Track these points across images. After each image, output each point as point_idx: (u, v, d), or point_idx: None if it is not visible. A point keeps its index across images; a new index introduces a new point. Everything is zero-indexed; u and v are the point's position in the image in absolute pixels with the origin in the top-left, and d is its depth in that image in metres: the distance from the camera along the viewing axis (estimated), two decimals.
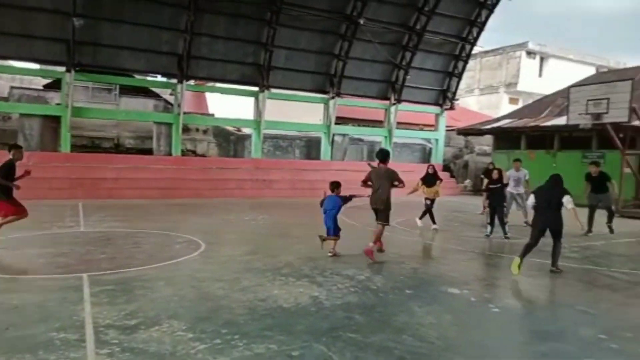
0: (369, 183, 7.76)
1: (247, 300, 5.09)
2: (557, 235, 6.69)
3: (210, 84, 23.02)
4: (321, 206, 7.70)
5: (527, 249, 6.68)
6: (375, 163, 8.17)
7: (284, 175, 20.02)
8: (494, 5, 22.25)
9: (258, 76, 20.08)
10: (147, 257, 7.12)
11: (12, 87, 21.00)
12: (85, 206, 13.12)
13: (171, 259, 7.04)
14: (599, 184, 10.65)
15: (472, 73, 38.90)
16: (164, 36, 18.31)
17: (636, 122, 14.36)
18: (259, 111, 20.44)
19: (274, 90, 20.79)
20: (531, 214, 7.10)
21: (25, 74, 22.43)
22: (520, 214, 11.33)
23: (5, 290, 5.18)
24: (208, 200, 16.27)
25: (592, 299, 5.69)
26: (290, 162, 22.22)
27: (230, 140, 23.13)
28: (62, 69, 17.36)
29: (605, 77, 21.57)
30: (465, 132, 25.41)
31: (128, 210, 12.71)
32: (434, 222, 10.74)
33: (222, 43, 19.20)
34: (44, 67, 19.90)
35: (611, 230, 10.67)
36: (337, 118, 22.28)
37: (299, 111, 23.82)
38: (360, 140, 25.53)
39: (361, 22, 19.98)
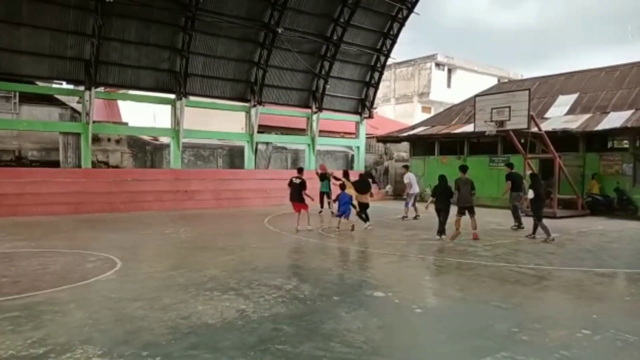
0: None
1: (168, 319, 4.86)
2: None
3: (123, 91, 21.82)
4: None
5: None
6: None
7: (207, 185, 19.47)
8: (405, 19, 23.44)
9: (174, 83, 19.41)
10: (56, 279, 6.54)
11: None
12: None
13: (83, 279, 6.54)
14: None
15: (388, 83, 40.66)
16: (69, 40, 17.09)
17: (534, 129, 15.77)
18: (176, 119, 19.73)
19: (192, 98, 20.20)
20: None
21: None
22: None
23: None
24: (123, 214, 15.40)
25: (505, 294, 6.12)
26: (212, 171, 21.66)
27: (146, 150, 22.04)
28: None
29: (506, 87, 23.57)
30: (384, 139, 26.45)
31: (33, 228, 11.65)
32: (366, 221, 11.96)
33: (134, 48, 18.33)
34: None
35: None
36: (260, 126, 22.15)
37: (221, 120, 23.38)
38: (284, 148, 25.57)
39: (279, 31, 20.09)
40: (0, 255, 8.24)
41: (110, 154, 20.68)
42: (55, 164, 18.35)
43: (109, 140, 20.71)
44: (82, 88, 17.88)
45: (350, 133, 27.11)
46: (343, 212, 11.48)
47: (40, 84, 19.48)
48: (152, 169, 21.36)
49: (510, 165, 13.35)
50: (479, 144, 21.21)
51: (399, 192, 23.96)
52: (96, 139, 19.28)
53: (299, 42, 21.44)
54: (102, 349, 4.01)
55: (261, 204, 19.66)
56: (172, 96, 19.63)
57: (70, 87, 19.75)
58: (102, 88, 19.45)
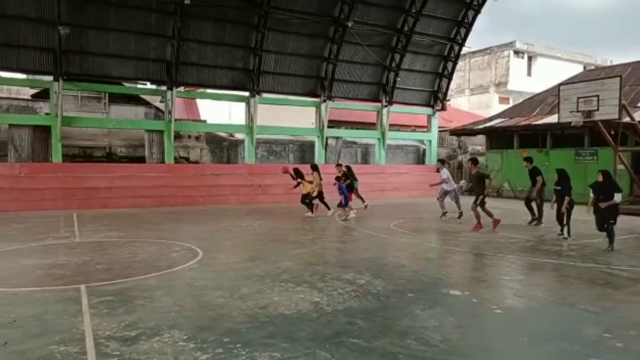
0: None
1: (247, 308, 5.04)
2: None
3: (201, 90, 22.90)
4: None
5: None
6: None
7: (279, 180, 19.92)
8: (480, 5, 22.43)
9: (248, 81, 20.05)
10: (144, 267, 7.04)
11: None
12: (79, 216, 13.01)
13: (169, 267, 6.97)
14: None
15: (462, 73, 39.19)
16: (151, 43, 18.22)
17: (626, 119, 14.49)
18: (250, 116, 20.39)
19: (265, 95, 20.77)
20: None
21: (12, 84, 22.19)
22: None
23: (2, 304, 5.09)
24: (203, 207, 16.19)
25: (594, 297, 5.70)
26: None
27: (223, 146, 23.02)
28: (50, 78, 17.20)
29: (593, 75, 21.80)
30: (457, 132, 25.55)
31: (123, 219, 12.60)
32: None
33: (211, 48, 19.16)
34: (31, 76, 19.76)
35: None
36: (330, 121, 22.30)
37: (292, 115, 23.80)
38: (354, 143, 25.56)
39: (349, 25, 20.03)
40: (94, 244, 9.01)
41: (190, 150, 21.84)
42: (142, 159, 19.71)
43: (189, 137, 21.89)
44: (164, 88, 19.02)
45: (421, 126, 26.50)
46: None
47: (126, 84, 20.96)
48: (228, 164, 22.27)
49: (529, 160, 12.36)
50: (563, 137, 19.83)
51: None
52: (177, 136, 20.45)
53: (369, 35, 21.25)
54: (187, 334, 4.25)
55: (331, 199, 19.78)
56: (246, 94, 20.31)
57: (154, 87, 21.07)
58: (182, 87, 20.54)
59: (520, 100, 29.19)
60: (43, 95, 20.11)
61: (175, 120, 19.21)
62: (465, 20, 22.77)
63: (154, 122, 20.23)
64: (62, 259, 7.51)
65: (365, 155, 25.68)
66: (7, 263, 7.26)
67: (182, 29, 17.83)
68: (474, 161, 11.84)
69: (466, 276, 6.69)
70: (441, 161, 14.66)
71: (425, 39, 22.50)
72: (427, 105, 24.50)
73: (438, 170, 14.15)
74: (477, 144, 26.69)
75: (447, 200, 13.57)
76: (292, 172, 14.21)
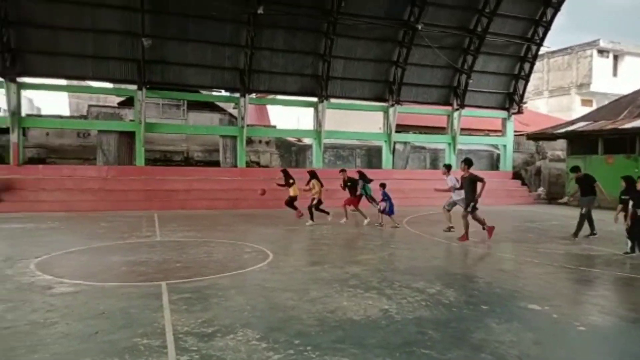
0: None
1: (316, 312, 5.09)
2: None
3: (271, 96, 23.57)
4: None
5: None
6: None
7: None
8: (560, 3, 21.19)
9: (317, 87, 20.33)
10: (219, 266, 7.34)
11: (90, 106, 22.67)
12: (160, 216, 13.84)
13: (241, 268, 7.22)
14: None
15: (540, 74, 37.16)
16: (226, 52, 19.03)
17: None
18: (318, 121, 20.65)
19: (333, 100, 20.95)
20: None
21: (100, 93, 24.19)
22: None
23: (93, 296, 5.53)
24: (272, 210, 16.58)
25: None
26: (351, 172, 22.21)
27: (291, 151, 23.52)
28: (134, 87, 18.48)
29: None
30: (536, 136, 24.19)
31: (199, 221, 13.22)
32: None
33: (282, 56, 19.66)
34: (118, 85, 21.33)
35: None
36: (398, 126, 22.03)
37: (359, 120, 23.80)
38: (423, 147, 25.06)
39: (419, 27, 19.71)
40: (174, 243, 9.53)
41: (261, 154, 22.53)
42: (216, 163, 20.63)
43: (260, 142, 22.60)
44: (237, 95, 19.78)
45: (496, 130, 25.44)
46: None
47: (203, 92, 22.03)
48: (297, 168, 22.66)
49: (577, 169, 11.33)
50: None
51: (554, 195, 21.77)
52: (249, 141, 21.18)
53: (439, 37, 20.78)
54: (259, 334, 4.37)
55: (398, 204, 19.48)
56: (315, 99, 20.60)
57: (228, 94, 21.97)
58: (254, 94, 21.25)
59: (605, 102, 27.12)
60: (128, 103, 21.67)
61: (247, 125, 19.90)
62: (544, 19, 21.62)
63: (228, 128, 21.08)
64: (145, 256, 8.03)
65: (435, 161, 25.09)
66: (96, 259, 7.88)
67: (255, 37, 18.46)
68: (467, 162, 10.39)
69: (545, 290, 6.30)
70: (446, 166, 12.27)
71: (500, 39, 21.61)
72: (502, 108, 23.48)
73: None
74: (557, 149, 25.13)
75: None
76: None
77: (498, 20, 20.89)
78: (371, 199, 13.66)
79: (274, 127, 24.95)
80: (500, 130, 24.51)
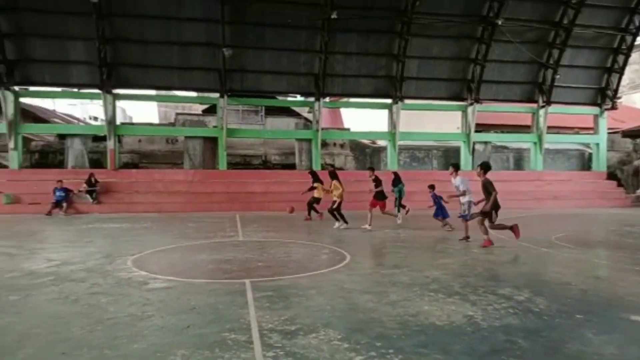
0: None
1: (397, 315, 5.02)
2: None
3: (345, 99, 23.71)
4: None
5: None
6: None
7: (422, 186, 19.58)
8: None
9: (391, 88, 20.14)
10: (298, 266, 7.50)
11: (177, 114, 24.19)
12: (241, 217, 14.43)
13: (319, 268, 7.31)
14: None
15: (637, 67, 33.98)
16: (301, 58, 19.45)
17: None
18: (393, 123, 20.43)
19: (407, 101, 20.64)
20: None
21: (186, 101, 25.74)
22: None
23: (184, 292, 5.88)
24: (347, 212, 16.62)
25: None
26: (428, 173, 21.73)
27: (366, 153, 23.48)
28: (216, 95, 19.46)
29: None
30: (633, 134, 22.17)
31: (277, 222, 13.62)
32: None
33: (355, 59, 19.72)
34: (201, 94, 22.56)
35: None
36: (478, 125, 21.20)
37: (435, 120, 23.22)
38: (505, 147, 23.90)
39: (499, 22, 18.85)
40: (255, 243, 9.89)
41: (335, 157, 22.73)
42: (292, 166, 21.13)
43: (334, 144, 22.82)
44: (312, 99, 20.14)
45: (587, 128, 23.63)
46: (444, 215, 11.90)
47: (279, 98, 22.69)
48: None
49: None
50: None
51: None
52: (324, 144, 21.47)
53: (521, 32, 19.76)
54: (340, 334, 4.40)
55: (479, 207, 18.74)
56: (389, 101, 20.44)
57: (303, 99, 22.44)
58: (328, 98, 21.52)
59: None
60: (211, 110, 22.86)
61: (322, 129, 20.17)
62: None
63: (303, 132, 21.52)
64: (229, 255, 8.40)
65: (519, 161, 23.83)
66: (186, 257, 8.38)
67: (329, 42, 18.69)
68: (483, 166, 9.43)
69: None
70: (454, 166, 11.19)
71: (589, 31, 20.12)
72: (593, 104, 21.79)
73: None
74: None
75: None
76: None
77: (587, 10, 19.45)
78: (400, 205, 13.27)
79: (348, 129, 25.04)
80: (591, 128, 22.74)
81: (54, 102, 34.17)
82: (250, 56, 19.19)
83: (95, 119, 39.71)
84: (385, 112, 21.18)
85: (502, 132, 24.21)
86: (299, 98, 23.49)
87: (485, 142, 22.81)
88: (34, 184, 17.28)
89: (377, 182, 12.76)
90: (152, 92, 22.43)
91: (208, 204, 17.07)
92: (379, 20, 19.00)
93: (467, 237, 10.26)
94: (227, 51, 17.99)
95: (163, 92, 25.41)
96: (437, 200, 12.10)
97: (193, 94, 23.79)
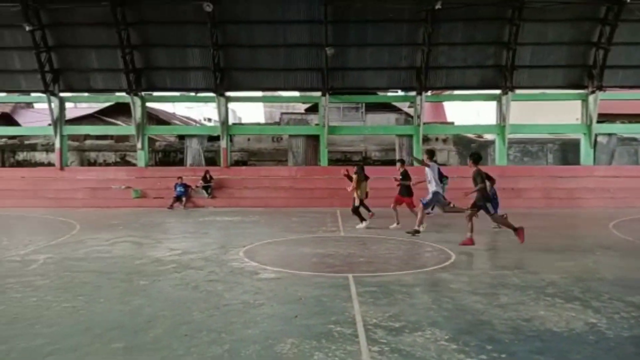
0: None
1: (508, 318, 4.76)
2: None
3: (448, 92, 22.88)
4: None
5: None
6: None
7: (536, 183, 18.26)
8: None
9: (500, 78, 18.98)
10: (401, 263, 7.45)
11: (282, 113, 25.20)
12: (342, 213, 14.65)
13: (423, 266, 7.18)
14: None
15: None
16: (403, 52, 19.10)
17: None
18: (502, 115, 19.25)
19: (518, 91, 19.29)
20: None
21: (290, 101, 26.70)
22: None
23: (291, 283, 6.15)
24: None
25: None
26: (542, 168, 20.19)
27: (471, 148, 22.42)
28: (318, 93, 19.88)
29: None
30: None
31: (378, 219, 13.57)
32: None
33: (460, 49, 18.88)
34: (303, 93, 23.24)
35: None
36: (600, 115, 19.14)
37: (550, 111, 21.45)
38: (634, 139, 21.33)
39: (628, 0, 16.77)
40: (356, 239, 9.99)
41: (437, 152, 22.05)
42: (393, 162, 20.90)
43: (436, 139, 22.15)
44: (413, 93, 19.72)
45: None
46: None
47: (379, 94, 22.57)
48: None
49: None
50: None
51: None
52: (426, 139, 20.91)
53: None
54: (447, 334, 4.29)
55: (601, 205, 16.98)
56: (497, 91, 19.29)
57: (403, 94, 22.09)
58: (430, 92, 20.90)
59: None
60: (313, 108, 23.48)
61: (424, 124, 19.67)
62: None
63: (404, 127, 21.19)
64: (331, 249, 8.60)
65: None
66: (291, 249, 8.75)
67: (432, 34, 18.13)
68: (473, 157, 9.19)
69: None
70: (428, 152, 10.75)
71: None
72: None
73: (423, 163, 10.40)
74: None
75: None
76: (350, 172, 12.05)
77: None
78: (443, 203, 11.47)
79: (452, 124, 24.14)
80: None
81: (174, 105, 37.54)
82: (352, 54, 19.30)
83: (209, 120, 42.92)
84: (493, 104, 20.03)
85: (631, 122, 21.57)
86: (400, 93, 23.18)
87: (610, 134, 20.51)
88: (158, 180, 19.20)
89: (405, 176, 11.96)
90: (259, 93, 23.66)
91: (310, 199, 17.59)
92: (487, 7, 17.96)
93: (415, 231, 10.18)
94: (330, 50, 18.29)
95: (269, 93, 26.66)
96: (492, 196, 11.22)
97: (296, 93, 24.62)
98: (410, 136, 19.97)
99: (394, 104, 24.27)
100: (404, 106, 25.20)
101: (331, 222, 12.88)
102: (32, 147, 24.30)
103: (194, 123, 37.62)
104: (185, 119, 36.87)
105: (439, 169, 10.73)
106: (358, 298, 5.39)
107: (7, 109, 27.86)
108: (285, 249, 8.91)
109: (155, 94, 21.23)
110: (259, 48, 19.19)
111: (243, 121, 41.73)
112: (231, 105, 21.80)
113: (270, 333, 4.37)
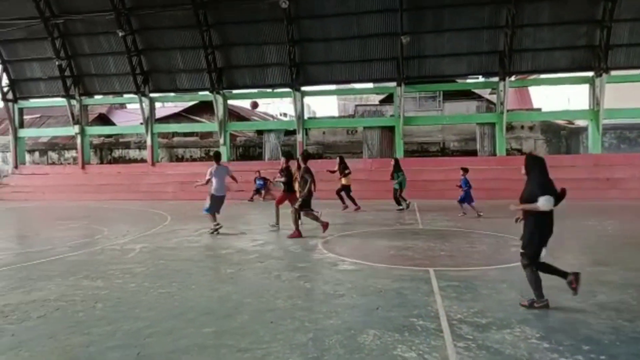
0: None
1: (607, 318, 4.42)
2: None
3: (534, 76, 21.48)
4: None
5: None
6: None
7: (634, 172, 16.67)
8: None
9: (592, 59, 17.54)
10: (484, 258, 7.16)
11: (356, 106, 25.15)
12: (419, 205, 14.36)
13: (509, 262, 6.82)
14: None
15: None
16: (483, 36, 18.25)
17: None
18: (595, 99, 17.75)
19: (613, 73, 17.67)
20: None
21: (363, 93, 26.55)
22: None
23: (370, 275, 6.15)
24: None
25: None
26: None
27: (560, 136, 20.96)
28: (393, 84, 19.57)
29: None
30: None
31: (456, 211, 13.15)
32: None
33: (547, 30, 17.67)
34: (377, 84, 22.99)
35: None
36: None
37: None
38: None
39: None
40: (435, 232, 9.74)
41: (523, 141, 20.88)
42: (473, 152, 20.10)
43: (521, 127, 20.95)
44: (495, 79, 18.77)
45: None
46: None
47: (458, 81, 21.73)
48: (568, 155, 20.14)
49: None
50: None
51: None
52: (509, 127, 19.86)
53: None
54: (538, 332, 4.07)
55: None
56: (590, 74, 17.85)
57: (484, 80, 21.10)
58: (514, 76, 19.78)
59: None
60: (388, 99, 23.16)
61: (507, 111, 18.67)
62: None
63: (485, 115, 20.29)
64: (410, 242, 8.46)
65: None
66: (368, 242, 8.74)
67: (516, 15, 17.12)
68: (303, 155, 9.76)
69: None
70: (215, 156, 10.68)
71: None
72: None
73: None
74: None
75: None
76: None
77: None
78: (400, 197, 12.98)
79: (539, 110, 22.65)
80: None
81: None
82: (428, 41, 18.76)
83: (285, 115, 43.90)
84: (585, 88, 18.52)
85: None
86: (480, 79, 22.18)
87: None
88: (239, 174, 19.96)
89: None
90: (333, 86, 23.75)
91: (385, 192, 17.31)
92: None
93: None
94: (405, 38, 17.91)
95: (342, 86, 26.70)
96: (466, 185, 11.77)
97: (370, 85, 24.41)
98: (493, 124, 19.06)
99: (474, 91, 23.26)
100: (485, 93, 24.07)
101: (408, 214, 12.68)
102: (127, 145, 26.36)
103: (271, 118, 38.69)
104: (262, 115, 38.03)
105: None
106: (440, 292, 5.26)
107: (103, 110, 30.44)
108: (363, 241, 8.92)
109: (235, 91, 22.08)
110: (333, 41, 19.27)
111: (317, 115, 42.20)
112: (305, 99, 22.12)
113: (352, 324, 4.40)
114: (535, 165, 4.70)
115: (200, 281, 6.10)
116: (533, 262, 4.67)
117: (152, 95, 21.67)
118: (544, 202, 4.47)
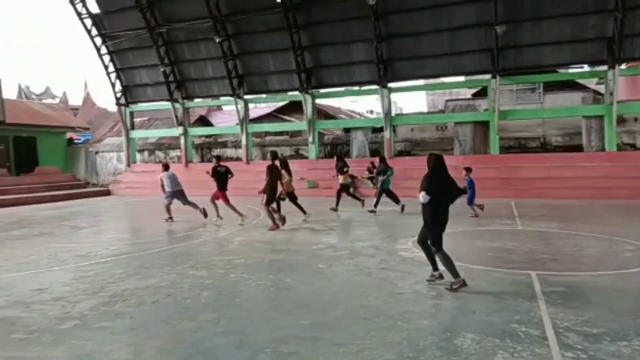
0: None
1: None
2: None
3: None
4: None
5: None
6: None
7: None
8: None
9: None
10: (593, 263, 6.59)
11: (446, 101, 24.30)
12: (517, 205, 13.57)
13: (622, 268, 6.23)
14: None
15: None
16: (589, 22, 16.72)
17: None
18: None
19: None
20: None
21: (454, 87, 25.57)
22: None
23: (465, 277, 5.89)
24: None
25: None
26: None
27: None
28: (487, 76, 18.61)
29: None
30: None
31: (560, 210, 12.26)
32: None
33: None
34: (469, 77, 21.98)
35: None
36: None
37: None
38: None
39: None
40: (536, 233, 9.13)
41: (637, 135, 18.85)
42: (578, 148, 18.53)
43: (635, 120, 18.90)
44: (603, 68, 17.13)
45: None
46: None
47: (560, 71, 20.11)
48: None
49: None
50: None
51: None
52: (621, 120, 18.03)
53: None
54: None
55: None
56: None
57: (590, 69, 19.36)
58: (625, 64, 17.88)
59: None
60: (481, 93, 22.08)
61: (618, 102, 16.94)
62: None
63: (592, 107, 18.59)
64: (509, 244, 8.02)
65: None
66: (463, 242, 8.43)
67: None
68: (271, 155, 11.28)
69: None
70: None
71: None
72: None
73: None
74: None
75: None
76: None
77: None
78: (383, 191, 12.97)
79: None
80: None
81: (339, 100, 39.17)
82: (526, 29, 17.56)
83: (371, 112, 43.70)
84: None
85: None
86: (585, 68, 20.36)
87: None
88: (327, 172, 20.28)
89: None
90: (421, 82, 23.14)
91: (479, 189, 16.46)
92: None
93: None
94: (500, 28, 16.93)
95: (431, 81, 25.89)
96: (472, 185, 11.51)
97: (461, 78, 23.44)
98: (601, 117, 17.40)
99: (579, 81, 21.40)
100: (591, 83, 22.04)
101: (506, 214, 12.01)
102: (224, 144, 27.90)
103: (358, 116, 38.73)
104: (349, 113, 38.20)
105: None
106: (544, 298, 4.94)
107: (203, 112, 32.48)
108: (457, 241, 8.60)
109: (323, 90, 22.42)
110: (421, 35, 18.81)
111: (404, 111, 41.47)
112: (392, 96, 21.80)
113: (448, 326, 4.30)
114: (430, 163, 5.51)
115: (294, 275, 6.30)
116: (435, 245, 5.47)
117: (246, 97, 22.71)
118: (419, 197, 5.32)
